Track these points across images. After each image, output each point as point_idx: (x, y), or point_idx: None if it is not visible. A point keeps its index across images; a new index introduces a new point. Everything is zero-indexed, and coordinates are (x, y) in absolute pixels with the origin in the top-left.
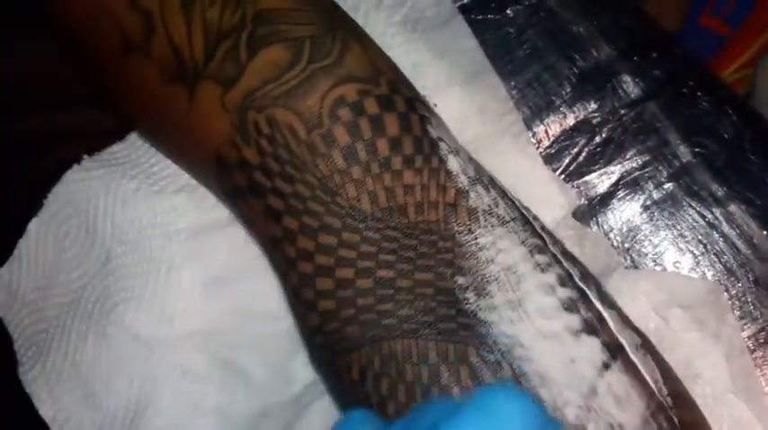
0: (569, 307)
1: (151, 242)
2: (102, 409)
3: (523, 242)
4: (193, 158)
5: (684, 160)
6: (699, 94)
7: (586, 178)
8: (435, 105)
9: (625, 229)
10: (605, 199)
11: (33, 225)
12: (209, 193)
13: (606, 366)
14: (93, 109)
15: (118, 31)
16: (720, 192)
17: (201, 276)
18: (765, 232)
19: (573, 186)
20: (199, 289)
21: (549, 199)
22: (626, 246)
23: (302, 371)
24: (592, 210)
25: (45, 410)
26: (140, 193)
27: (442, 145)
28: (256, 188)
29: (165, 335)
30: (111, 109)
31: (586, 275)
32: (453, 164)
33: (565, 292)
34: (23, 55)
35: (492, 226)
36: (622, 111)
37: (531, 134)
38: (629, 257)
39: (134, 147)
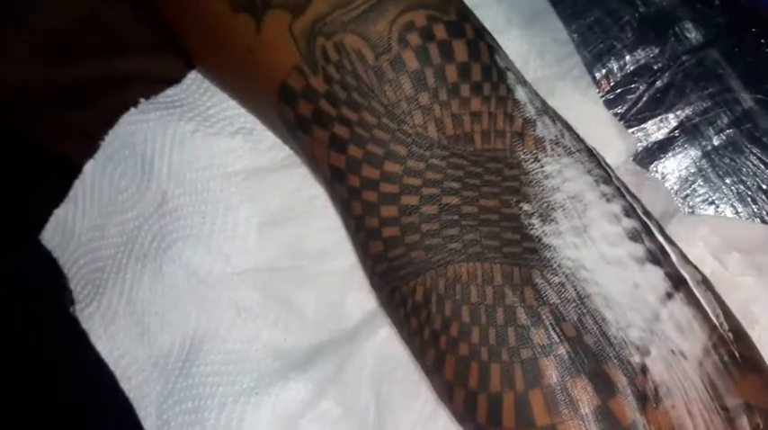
0: (633, 236)
1: (208, 183)
2: (158, 345)
3: (589, 172)
4: (257, 91)
5: (746, 106)
6: (762, 41)
7: (646, 123)
8: None
9: (684, 175)
10: (665, 144)
11: (89, 166)
12: (265, 136)
13: (669, 295)
14: (147, 55)
15: None
16: None
17: (257, 216)
18: None
19: (633, 131)
20: (255, 229)
21: (608, 143)
22: (685, 192)
23: (355, 308)
24: (651, 155)
25: (101, 346)
26: (198, 135)
27: (510, 74)
28: (322, 117)
29: (221, 273)
30: (175, 47)
31: (648, 213)
32: (521, 94)
33: (629, 223)
34: (74, 2)
35: (558, 155)
36: (684, 57)
37: (591, 78)
38: (687, 203)
39: (190, 91)
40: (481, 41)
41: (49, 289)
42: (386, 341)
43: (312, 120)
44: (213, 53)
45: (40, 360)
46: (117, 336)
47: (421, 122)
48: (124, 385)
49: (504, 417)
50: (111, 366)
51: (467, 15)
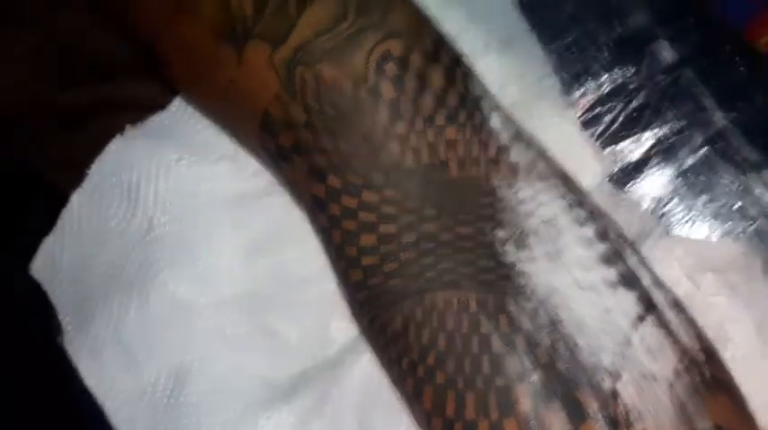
0: (606, 260)
1: (194, 210)
2: (145, 375)
3: (563, 196)
4: (240, 120)
5: (720, 125)
6: (736, 59)
7: (622, 144)
8: None
9: (659, 196)
10: (640, 165)
11: (76, 196)
12: (249, 163)
13: (641, 319)
14: (135, 81)
15: None
16: (755, 157)
17: (242, 243)
18: None
19: (609, 151)
20: (240, 256)
21: (585, 164)
22: (661, 211)
23: (339, 334)
24: (626, 176)
25: (89, 378)
26: (183, 163)
27: (484, 101)
28: (302, 146)
29: (207, 301)
30: (159, 74)
31: (622, 235)
32: (495, 120)
33: (602, 246)
34: (61, 26)
35: (532, 180)
36: (659, 77)
37: (569, 99)
38: (663, 223)
39: (175, 118)
40: (457, 68)
41: (38, 316)
42: (369, 367)
43: (292, 149)
44: (196, 82)
45: (31, 384)
46: (105, 367)
47: (398, 151)
48: (112, 417)
49: None
50: (100, 398)
51: (443, 43)
